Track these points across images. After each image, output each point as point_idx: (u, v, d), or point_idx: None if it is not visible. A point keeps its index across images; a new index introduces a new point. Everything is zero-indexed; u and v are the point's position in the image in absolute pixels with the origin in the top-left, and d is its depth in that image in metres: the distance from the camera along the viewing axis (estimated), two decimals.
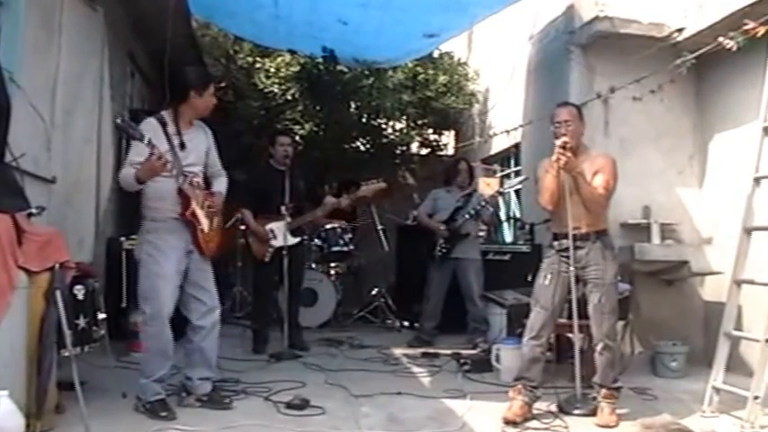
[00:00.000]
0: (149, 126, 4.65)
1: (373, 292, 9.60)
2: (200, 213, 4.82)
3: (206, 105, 4.88)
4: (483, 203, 7.79)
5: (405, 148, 11.76)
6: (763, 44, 5.30)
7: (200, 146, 4.96)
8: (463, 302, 7.82)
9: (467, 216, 7.74)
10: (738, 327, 5.39)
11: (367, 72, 10.44)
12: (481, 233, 8.18)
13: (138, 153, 4.58)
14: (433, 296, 7.89)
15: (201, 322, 4.88)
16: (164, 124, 4.72)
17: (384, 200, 8.93)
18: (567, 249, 4.87)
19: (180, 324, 4.89)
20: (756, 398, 4.63)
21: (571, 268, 4.86)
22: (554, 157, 4.79)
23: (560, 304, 5.03)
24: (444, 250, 7.77)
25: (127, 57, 7.93)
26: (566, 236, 4.85)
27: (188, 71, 5.00)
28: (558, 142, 4.78)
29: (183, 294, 4.82)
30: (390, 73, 10.57)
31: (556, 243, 5.04)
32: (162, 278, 4.68)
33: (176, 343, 4.86)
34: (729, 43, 5.58)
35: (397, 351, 7.34)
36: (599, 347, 4.90)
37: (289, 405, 4.94)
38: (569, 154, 4.74)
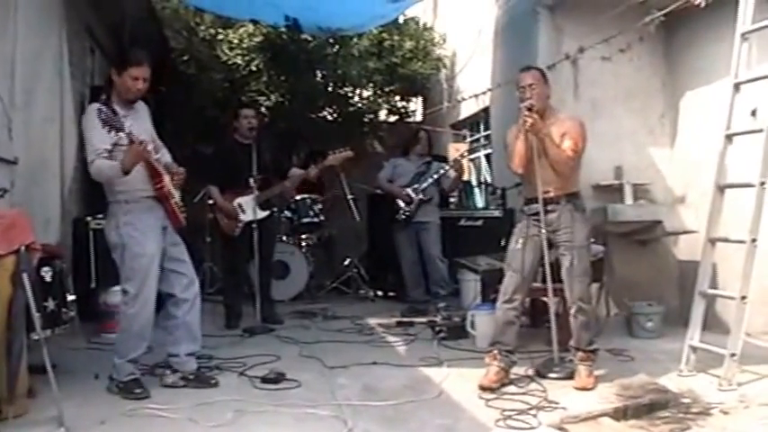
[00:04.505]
0: (101, 112, 4.49)
1: (345, 263, 9.59)
2: (172, 186, 4.82)
3: (125, 87, 4.68)
4: (446, 168, 7.82)
5: (372, 115, 11.66)
6: None
7: (145, 122, 4.90)
8: (424, 266, 7.85)
9: (429, 180, 7.76)
10: (713, 285, 5.46)
11: (332, 40, 10.36)
12: (453, 199, 8.15)
13: (101, 140, 4.51)
14: (406, 263, 7.91)
15: (185, 295, 4.88)
16: (110, 106, 4.62)
17: (353, 169, 8.87)
18: (537, 213, 4.88)
19: (156, 302, 4.83)
20: (733, 355, 4.65)
21: (543, 231, 4.87)
22: (520, 121, 4.81)
23: (533, 268, 5.03)
24: (407, 214, 7.77)
25: (85, 32, 7.70)
26: (536, 200, 4.86)
27: (121, 50, 4.86)
28: (524, 104, 4.81)
29: (162, 271, 4.80)
30: (355, 40, 10.47)
31: (527, 207, 5.06)
32: (147, 258, 4.67)
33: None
34: None
35: (372, 321, 7.33)
36: (573, 310, 4.91)
37: (264, 379, 4.94)
38: (535, 116, 4.76)
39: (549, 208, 4.89)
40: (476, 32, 9.82)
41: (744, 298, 4.70)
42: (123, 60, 4.71)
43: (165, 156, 5.04)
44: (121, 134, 4.46)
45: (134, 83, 4.67)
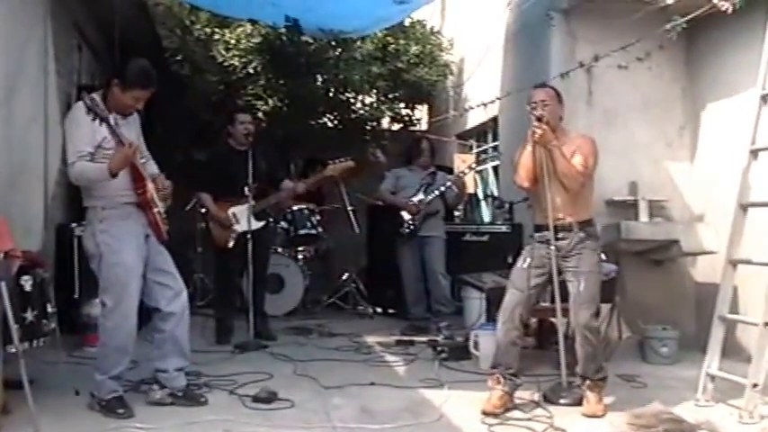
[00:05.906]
0: (89, 100, 4.44)
1: (343, 277, 9.41)
2: (155, 195, 4.69)
3: (123, 103, 4.59)
4: (448, 184, 7.69)
5: (375, 123, 11.51)
6: (762, 5, 5.06)
7: (134, 130, 4.80)
8: (426, 282, 7.71)
9: (436, 192, 7.62)
10: (734, 309, 5.32)
11: (333, 43, 10.18)
12: (457, 212, 7.99)
13: (83, 141, 4.41)
14: (408, 279, 7.72)
15: (171, 308, 4.75)
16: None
17: (353, 179, 8.72)
18: (548, 241, 4.78)
19: (140, 315, 4.72)
20: (755, 386, 4.51)
21: (551, 248, 4.73)
22: (529, 132, 4.72)
23: (538, 289, 4.93)
24: (412, 227, 7.59)
25: (73, 28, 7.56)
26: (546, 227, 4.76)
27: (129, 60, 4.73)
28: (535, 114, 4.73)
29: (145, 283, 4.69)
30: (359, 43, 10.32)
31: (537, 234, 4.94)
32: (124, 267, 4.55)
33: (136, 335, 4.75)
34: (725, 5, 5.35)
35: (370, 339, 7.25)
36: (578, 339, 4.79)
37: (255, 398, 4.87)
38: (545, 126, 4.67)
39: (561, 235, 4.77)
40: (485, 38, 9.73)
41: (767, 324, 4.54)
42: (130, 80, 4.56)
43: (152, 167, 4.93)
44: (104, 127, 4.38)
45: (134, 102, 4.63)
